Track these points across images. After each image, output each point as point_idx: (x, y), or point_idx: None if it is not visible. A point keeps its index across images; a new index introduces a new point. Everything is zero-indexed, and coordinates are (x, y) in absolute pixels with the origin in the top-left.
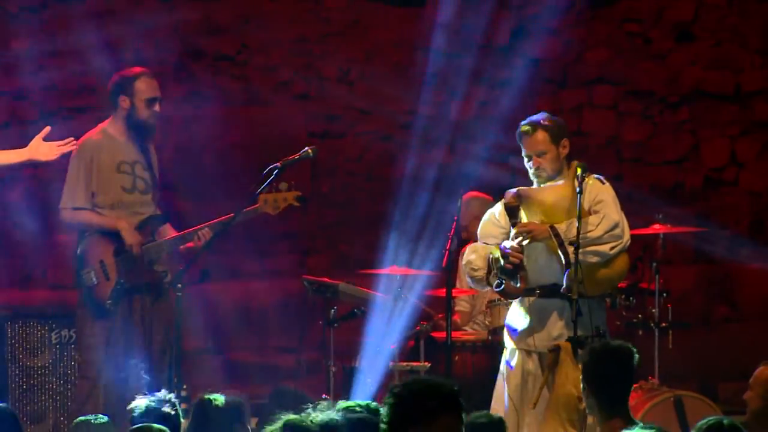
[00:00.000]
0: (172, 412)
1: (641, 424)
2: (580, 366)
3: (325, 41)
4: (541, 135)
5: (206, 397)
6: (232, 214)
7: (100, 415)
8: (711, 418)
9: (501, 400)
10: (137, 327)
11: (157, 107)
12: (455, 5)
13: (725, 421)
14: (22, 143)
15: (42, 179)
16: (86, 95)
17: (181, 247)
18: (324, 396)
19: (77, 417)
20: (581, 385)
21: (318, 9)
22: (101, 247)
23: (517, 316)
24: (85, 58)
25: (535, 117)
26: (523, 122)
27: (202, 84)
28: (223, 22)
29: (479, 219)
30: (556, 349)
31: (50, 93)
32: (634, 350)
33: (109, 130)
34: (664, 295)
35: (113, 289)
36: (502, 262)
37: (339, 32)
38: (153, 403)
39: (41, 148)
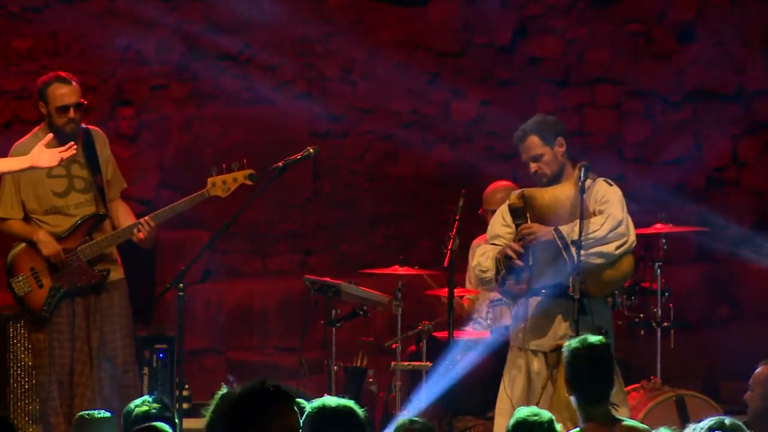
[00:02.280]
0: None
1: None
2: None
3: (327, 41)
4: (532, 139)
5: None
6: (177, 202)
7: (103, 411)
8: (713, 417)
9: (506, 400)
10: (83, 330)
11: (71, 114)
12: (457, 4)
13: (727, 421)
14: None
15: None
16: (87, 95)
17: (134, 238)
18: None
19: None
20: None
21: (320, 8)
22: (31, 253)
23: (522, 315)
24: (86, 58)
25: (526, 123)
26: (516, 132)
27: (204, 84)
28: (224, 22)
29: None
30: (558, 349)
31: None
32: (610, 347)
33: (40, 134)
34: (666, 294)
35: (47, 296)
36: (506, 261)
37: (341, 32)
38: (150, 408)
39: (43, 156)
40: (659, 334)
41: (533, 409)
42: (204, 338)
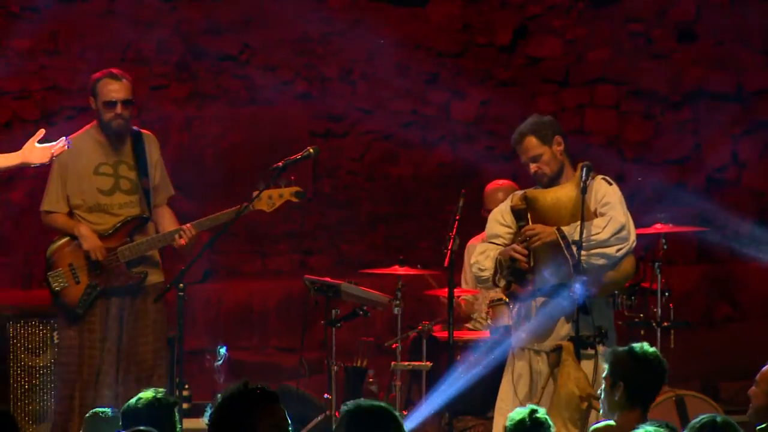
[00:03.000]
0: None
1: (650, 421)
2: (581, 365)
3: (327, 41)
4: (529, 141)
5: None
6: (221, 212)
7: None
8: (704, 416)
9: (507, 400)
10: (115, 331)
11: (118, 109)
12: (457, 4)
13: (718, 419)
14: (23, 143)
15: (43, 179)
16: (88, 95)
17: (174, 244)
18: (326, 396)
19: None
20: (606, 377)
21: (320, 8)
22: (72, 249)
23: (524, 316)
24: (86, 58)
25: (522, 125)
26: (513, 135)
27: (204, 84)
28: (225, 22)
29: None
30: (557, 349)
31: (52, 93)
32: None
33: (92, 131)
34: (666, 294)
35: (83, 293)
36: (510, 264)
37: (341, 32)
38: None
39: (35, 152)
40: (659, 334)
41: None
42: (204, 338)
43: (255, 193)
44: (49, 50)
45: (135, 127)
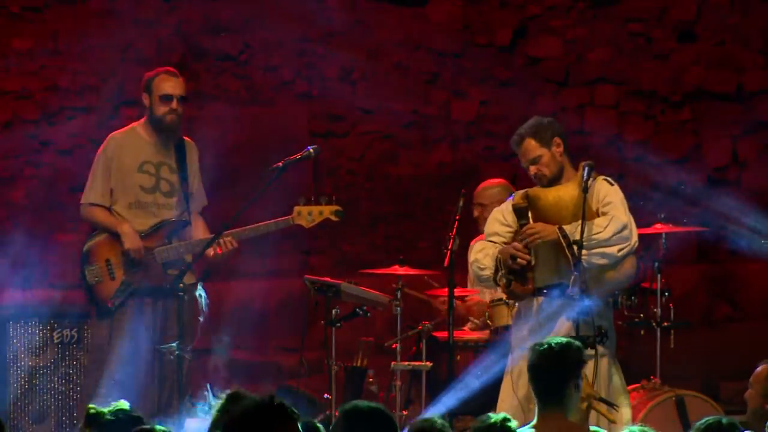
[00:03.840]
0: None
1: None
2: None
3: (327, 41)
4: (528, 143)
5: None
6: (261, 223)
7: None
8: (709, 417)
9: (508, 400)
10: (147, 330)
11: (174, 105)
12: (457, 4)
13: (724, 420)
14: (24, 143)
15: (43, 179)
16: (88, 95)
17: (210, 253)
18: (326, 396)
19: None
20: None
21: (320, 9)
22: (110, 245)
23: (524, 315)
24: (86, 58)
25: (521, 127)
26: (512, 137)
27: (204, 84)
28: (225, 22)
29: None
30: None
31: (52, 93)
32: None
33: (138, 129)
34: (666, 294)
35: (117, 289)
36: (510, 262)
37: (341, 32)
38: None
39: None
40: (659, 334)
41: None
42: (204, 338)
43: (296, 209)
44: (49, 50)
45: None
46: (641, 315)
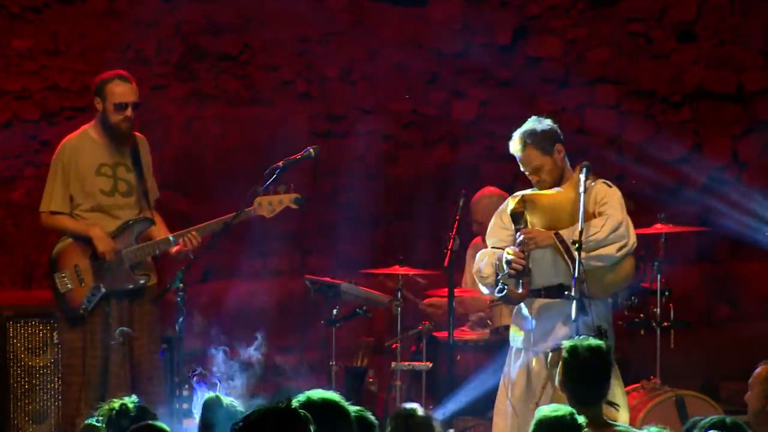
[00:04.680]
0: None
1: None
2: None
3: (327, 41)
4: (530, 152)
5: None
6: (222, 218)
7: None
8: (714, 416)
9: (505, 400)
10: (114, 332)
11: (128, 112)
12: (457, 4)
13: (728, 420)
14: (24, 143)
15: (43, 179)
16: (88, 95)
17: (172, 250)
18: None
19: (72, 421)
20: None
21: (320, 8)
22: (77, 251)
23: (523, 316)
24: (86, 58)
25: (521, 132)
26: (512, 139)
27: (204, 84)
28: (225, 22)
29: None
30: (557, 349)
31: (52, 93)
32: (610, 350)
33: (90, 131)
34: (666, 294)
35: (87, 295)
36: (505, 268)
37: (341, 32)
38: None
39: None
40: (659, 334)
41: (554, 405)
42: (204, 338)
43: (256, 200)
44: (49, 50)
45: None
46: (641, 315)
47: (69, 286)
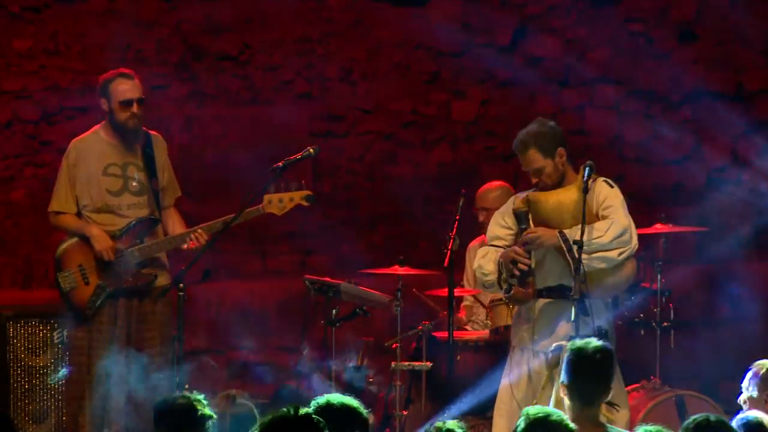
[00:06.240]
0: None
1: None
2: None
3: (327, 41)
4: (533, 154)
5: None
6: (231, 215)
7: None
8: (698, 415)
9: (506, 400)
10: (122, 331)
11: (134, 109)
12: (457, 4)
13: (712, 417)
14: (24, 143)
15: (43, 179)
16: (88, 95)
17: (183, 247)
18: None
19: (75, 419)
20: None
21: (320, 8)
22: (82, 250)
23: (524, 316)
24: (86, 58)
25: (525, 133)
26: (515, 139)
27: (204, 84)
28: (225, 22)
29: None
30: (558, 351)
31: (52, 93)
32: (612, 352)
33: (100, 132)
34: (666, 294)
35: (92, 294)
36: (511, 267)
37: (341, 32)
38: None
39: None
40: (659, 334)
41: (541, 408)
42: (204, 338)
43: (266, 197)
44: (49, 50)
45: (144, 129)
46: (641, 315)
47: (73, 285)
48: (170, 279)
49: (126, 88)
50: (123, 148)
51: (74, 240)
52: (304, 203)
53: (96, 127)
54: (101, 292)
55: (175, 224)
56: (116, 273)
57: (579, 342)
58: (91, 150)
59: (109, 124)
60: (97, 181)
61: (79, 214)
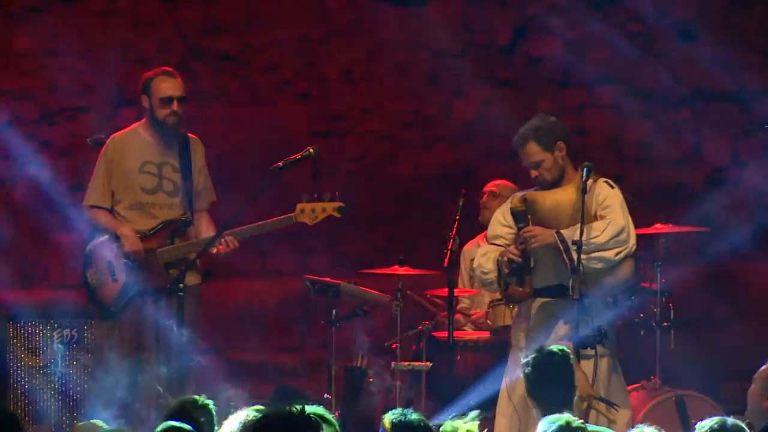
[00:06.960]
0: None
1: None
2: (581, 366)
3: (327, 41)
4: (531, 147)
5: None
6: (263, 222)
7: (99, 421)
8: (714, 418)
9: (507, 400)
10: (149, 331)
11: (174, 106)
12: (457, 4)
13: (729, 422)
14: (23, 143)
15: (43, 179)
16: (88, 95)
17: (212, 251)
18: (326, 396)
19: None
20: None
21: (320, 9)
22: (112, 247)
23: (523, 316)
24: (86, 58)
25: (525, 127)
26: (516, 135)
27: (204, 84)
28: (225, 22)
29: None
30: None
31: (52, 93)
32: (569, 356)
33: (140, 129)
34: (666, 294)
35: (119, 292)
36: (507, 265)
37: (341, 32)
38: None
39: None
40: (659, 334)
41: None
42: (204, 338)
43: (298, 206)
44: (49, 50)
45: (182, 131)
46: (641, 315)
47: (100, 281)
48: (200, 279)
49: (167, 85)
50: (161, 147)
51: (105, 237)
52: (336, 214)
53: (135, 125)
54: (128, 290)
55: (204, 228)
56: (144, 273)
57: (533, 349)
58: (130, 146)
59: (149, 122)
60: (133, 178)
61: (111, 210)
